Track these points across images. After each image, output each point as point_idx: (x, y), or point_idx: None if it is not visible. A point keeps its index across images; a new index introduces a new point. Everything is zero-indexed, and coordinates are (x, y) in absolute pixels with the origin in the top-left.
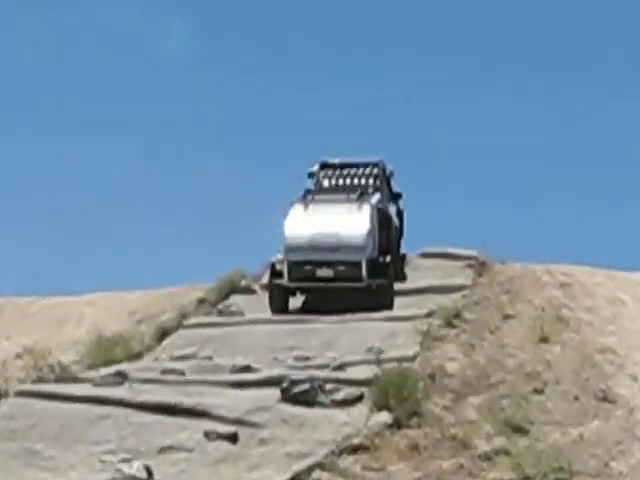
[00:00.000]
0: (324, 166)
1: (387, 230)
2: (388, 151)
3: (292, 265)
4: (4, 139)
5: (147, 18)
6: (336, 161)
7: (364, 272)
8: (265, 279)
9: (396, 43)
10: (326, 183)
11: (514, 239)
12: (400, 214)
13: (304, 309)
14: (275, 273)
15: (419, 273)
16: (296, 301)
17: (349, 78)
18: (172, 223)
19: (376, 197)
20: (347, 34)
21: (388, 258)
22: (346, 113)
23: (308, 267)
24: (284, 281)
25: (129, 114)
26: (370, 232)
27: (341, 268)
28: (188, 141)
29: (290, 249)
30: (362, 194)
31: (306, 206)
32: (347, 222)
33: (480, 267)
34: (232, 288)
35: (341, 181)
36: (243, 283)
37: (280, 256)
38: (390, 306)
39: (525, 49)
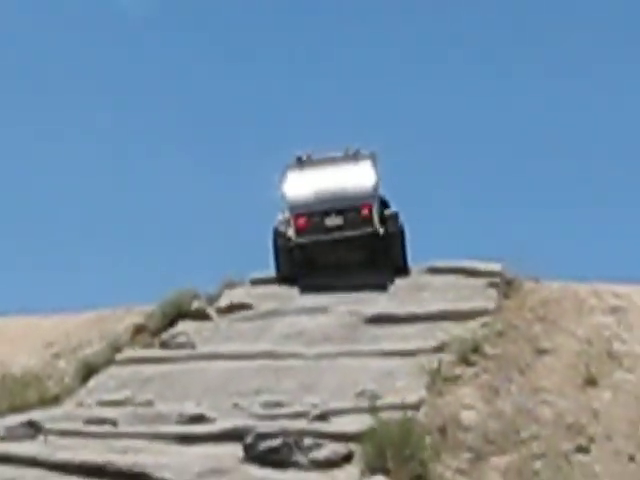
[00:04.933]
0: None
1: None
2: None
3: (299, 217)
4: None
5: None
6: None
7: (375, 216)
8: (225, 301)
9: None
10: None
11: (551, 249)
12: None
13: (310, 277)
14: (279, 235)
15: (425, 294)
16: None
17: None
18: (103, 233)
19: (374, 157)
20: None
21: (395, 209)
22: (333, 100)
23: (316, 218)
24: (291, 237)
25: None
26: (376, 183)
27: (351, 214)
28: (131, 127)
29: (295, 206)
30: (358, 152)
31: (303, 169)
32: (351, 175)
33: (506, 286)
34: (180, 312)
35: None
36: (194, 306)
37: (283, 216)
38: (404, 265)
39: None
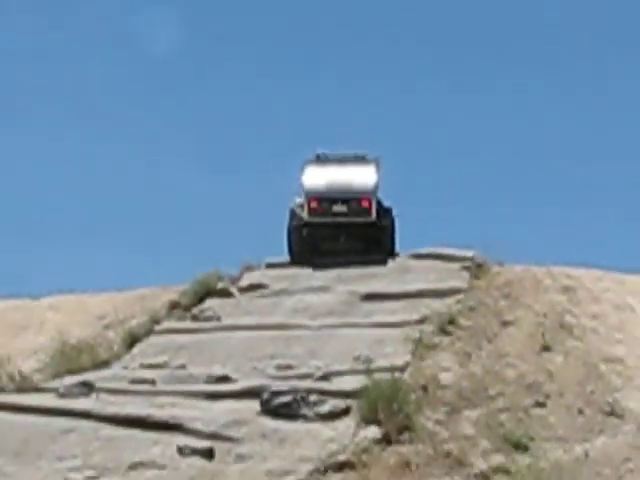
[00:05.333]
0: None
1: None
2: (378, 145)
3: (312, 201)
4: None
5: (136, 8)
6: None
7: (373, 208)
8: (245, 281)
9: (393, 40)
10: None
11: (514, 239)
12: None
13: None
14: (294, 216)
15: (410, 276)
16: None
17: (341, 71)
18: (142, 223)
19: (380, 168)
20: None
21: (389, 205)
22: (339, 108)
23: (325, 203)
24: (303, 217)
25: (116, 108)
26: (377, 183)
27: (354, 204)
28: (165, 138)
29: (309, 192)
30: (365, 155)
31: (319, 165)
32: (357, 173)
33: (477, 269)
34: (207, 291)
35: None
36: (220, 286)
37: (299, 201)
38: (392, 251)
39: (527, 46)
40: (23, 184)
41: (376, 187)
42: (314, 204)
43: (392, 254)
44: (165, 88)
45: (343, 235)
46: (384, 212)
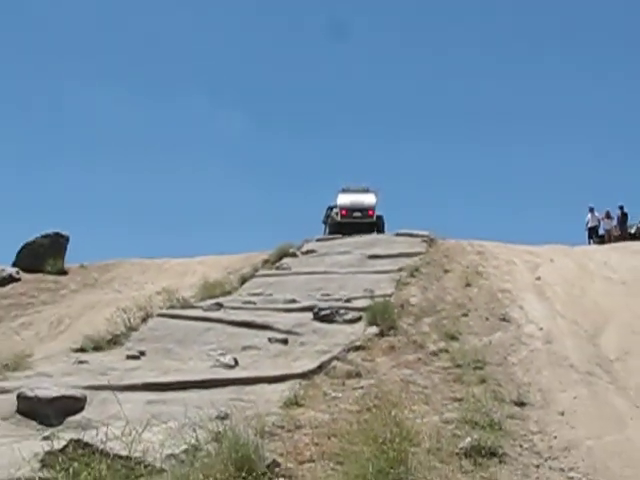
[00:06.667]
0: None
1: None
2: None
3: (342, 210)
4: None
5: (217, 111)
6: (350, 187)
7: (374, 215)
8: (304, 248)
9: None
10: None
11: (450, 225)
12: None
13: (346, 233)
14: (331, 218)
15: (394, 245)
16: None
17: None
18: (253, 220)
19: (378, 194)
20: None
21: (381, 213)
22: (351, 157)
23: (349, 212)
24: (337, 218)
25: (216, 169)
26: (376, 203)
27: (364, 212)
28: (249, 181)
29: (341, 206)
30: (369, 188)
31: (345, 193)
32: (366, 197)
33: (430, 242)
34: (284, 253)
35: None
36: (290, 250)
37: (334, 211)
38: (383, 231)
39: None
40: (181, 197)
41: (376, 204)
42: (343, 212)
43: (382, 233)
44: (239, 159)
45: (359, 227)
46: (379, 217)
